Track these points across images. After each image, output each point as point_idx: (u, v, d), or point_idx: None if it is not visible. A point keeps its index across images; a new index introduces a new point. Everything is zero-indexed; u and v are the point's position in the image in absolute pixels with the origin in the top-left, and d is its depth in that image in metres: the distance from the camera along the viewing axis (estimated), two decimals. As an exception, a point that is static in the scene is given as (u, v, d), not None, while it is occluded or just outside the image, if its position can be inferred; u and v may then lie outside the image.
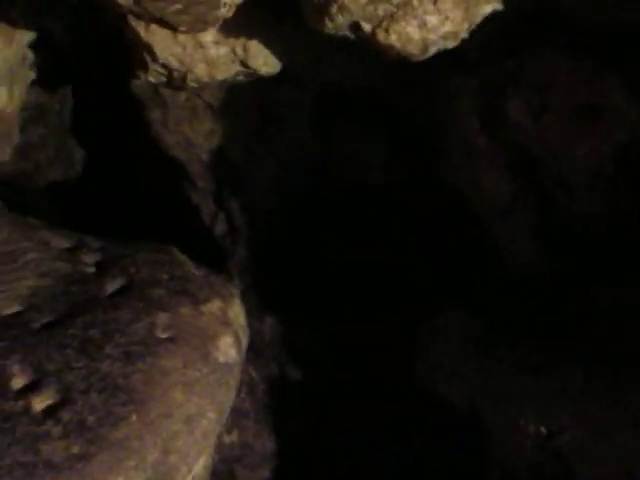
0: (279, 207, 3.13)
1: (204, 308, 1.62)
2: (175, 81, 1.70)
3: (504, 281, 2.14)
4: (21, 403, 1.21)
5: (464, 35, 1.37)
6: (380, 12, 1.24)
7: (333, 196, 2.99)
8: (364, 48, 1.53)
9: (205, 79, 1.65)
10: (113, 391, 1.29)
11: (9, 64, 1.54)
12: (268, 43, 1.67)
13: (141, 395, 1.32)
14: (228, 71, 1.66)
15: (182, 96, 2.94)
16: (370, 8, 1.24)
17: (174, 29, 1.35)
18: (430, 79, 1.86)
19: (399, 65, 1.57)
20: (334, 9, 1.25)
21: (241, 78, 1.81)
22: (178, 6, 1.18)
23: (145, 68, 1.68)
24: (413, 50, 1.32)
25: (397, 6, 1.24)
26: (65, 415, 1.22)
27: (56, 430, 1.19)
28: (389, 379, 2.71)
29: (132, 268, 1.64)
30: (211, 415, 1.47)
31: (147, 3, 1.17)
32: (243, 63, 1.66)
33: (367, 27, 1.28)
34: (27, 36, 1.55)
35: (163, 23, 1.30)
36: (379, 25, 1.27)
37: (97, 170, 3.63)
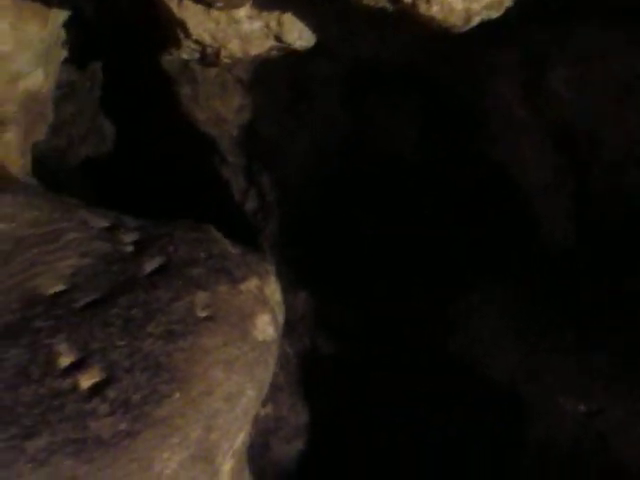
0: (311, 182, 3.11)
1: (242, 286, 1.62)
2: (208, 57, 1.67)
3: (541, 257, 2.10)
4: (68, 381, 1.24)
5: (509, 4, 1.31)
6: (421, -18, 1.19)
7: (366, 170, 2.96)
8: (400, 21, 1.48)
9: (239, 55, 1.62)
10: (156, 369, 1.31)
11: (45, 45, 1.53)
12: (302, 16, 1.63)
13: (183, 373, 1.33)
14: (262, 46, 1.62)
15: (212, 72, 2.92)
16: (410, -22, 1.19)
17: (209, 6, 1.33)
18: (468, 50, 1.79)
19: (436, 37, 1.52)
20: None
21: (274, 53, 1.78)
22: (216, -17, 1.16)
23: (178, 45, 1.66)
24: (455, 21, 1.27)
25: (439, -24, 1.19)
26: (111, 393, 1.25)
27: (103, 407, 1.22)
28: (424, 352, 2.71)
29: (170, 247, 1.65)
30: (250, 393, 1.49)
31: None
32: (277, 38, 1.63)
33: (408, -1, 1.23)
34: (61, 16, 1.54)
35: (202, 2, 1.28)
36: (421, -5, 1.22)
37: (128, 146, 3.66)
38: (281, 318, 1.84)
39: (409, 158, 2.84)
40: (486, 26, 1.48)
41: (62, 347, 1.30)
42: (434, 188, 2.74)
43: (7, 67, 1.42)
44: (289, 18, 1.61)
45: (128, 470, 1.17)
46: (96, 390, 1.25)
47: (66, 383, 1.24)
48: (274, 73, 2.86)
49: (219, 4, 1.30)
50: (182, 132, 3.20)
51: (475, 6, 1.25)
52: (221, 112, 3.00)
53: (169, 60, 2.90)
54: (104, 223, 1.75)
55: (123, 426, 1.21)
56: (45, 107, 2.04)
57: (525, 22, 1.60)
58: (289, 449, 2.78)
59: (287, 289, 2.87)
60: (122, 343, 1.33)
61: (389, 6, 1.30)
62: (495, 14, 1.32)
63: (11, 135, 1.93)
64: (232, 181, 3.24)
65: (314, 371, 2.93)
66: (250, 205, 3.25)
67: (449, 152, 2.64)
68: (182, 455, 1.25)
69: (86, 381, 1.27)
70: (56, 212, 1.65)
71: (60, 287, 1.46)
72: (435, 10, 1.24)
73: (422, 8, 1.25)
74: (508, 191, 2.15)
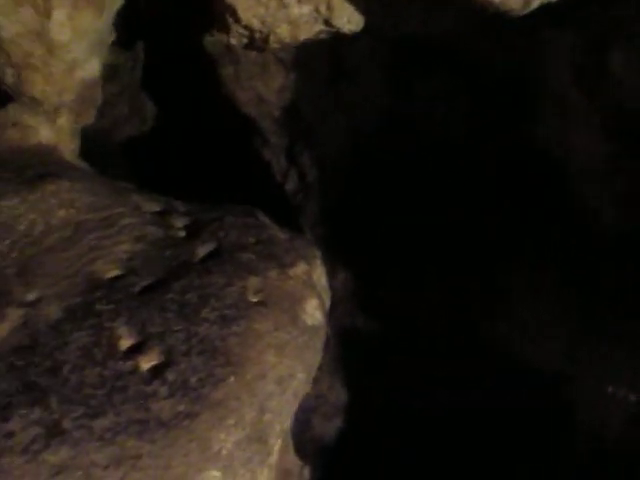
0: (352, 163, 3.10)
1: (291, 272, 1.65)
2: (257, 42, 1.68)
3: (588, 243, 2.06)
4: (130, 363, 1.29)
5: (569, -13, 1.27)
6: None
7: (407, 151, 2.93)
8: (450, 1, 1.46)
9: (287, 40, 1.62)
10: (212, 353, 1.35)
11: (99, 34, 1.56)
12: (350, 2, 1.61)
13: (237, 357, 1.37)
14: (311, 31, 1.62)
15: (254, 52, 2.92)
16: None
17: None
18: (520, 29, 1.75)
19: (487, 17, 1.49)
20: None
21: (322, 36, 1.77)
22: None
23: (227, 30, 1.67)
24: (513, 5, 1.24)
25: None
26: (170, 376, 1.29)
27: (163, 390, 1.27)
28: (464, 335, 2.71)
29: (221, 232, 1.68)
30: (300, 376, 1.53)
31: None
32: (327, 22, 1.62)
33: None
34: (115, 4, 1.57)
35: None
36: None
37: (169, 126, 3.70)
38: (328, 302, 1.87)
39: (451, 139, 2.80)
40: (542, 6, 1.44)
41: (122, 330, 1.35)
42: (477, 170, 2.70)
43: (65, 57, 1.46)
44: (338, 2, 1.60)
45: (188, 450, 1.22)
46: (156, 373, 1.30)
47: (127, 365, 1.29)
48: (315, 53, 2.84)
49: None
50: (223, 113, 3.23)
51: (535, -10, 1.22)
52: (262, 92, 3.01)
53: (211, 41, 2.91)
54: (155, 207, 1.79)
55: (182, 408, 1.25)
56: (95, 91, 2.08)
57: (583, 4, 1.55)
58: (329, 426, 2.84)
59: (327, 269, 2.89)
60: (179, 327, 1.37)
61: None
62: (554, -3, 1.29)
63: (64, 120, 1.98)
64: (273, 162, 3.26)
65: (353, 351, 2.97)
66: (291, 185, 3.27)
67: (493, 133, 2.60)
68: (238, 436, 1.29)
69: (146, 363, 1.32)
70: (111, 197, 1.69)
71: (117, 271, 1.51)
72: (495, -8, 1.22)
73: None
74: (555, 175, 2.11)
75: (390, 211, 3.06)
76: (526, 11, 1.30)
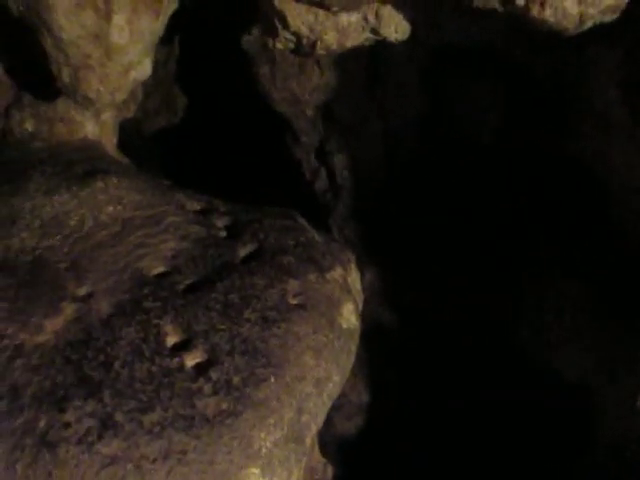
0: (383, 165, 3.12)
1: (328, 276, 1.68)
2: (303, 48, 1.70)
3: (622, 258, 2.07)
4: (176, 360, 1.34)
5: (623, 7, 1.28)
6: (537, -14, 1.18)
7: (441, 156, 2.94)
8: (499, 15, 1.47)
9: (334, 47, 1.64)
10: (254, 354, 1.39)
11: (155, 36, 1.60)
12: (399, 9, 1.63)
13: (278, 359, 1.41)
14: (358, 39, 1.64)
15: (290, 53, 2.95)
16: (526, -18, 1.17)
17: (327, 9, 1.35)
18: (566, 44, 1.75)
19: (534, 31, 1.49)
20: (485, -18, 1.20)
21: (367, 43, 1.79)
22: (338, -9, 1.17)
23: (275, 35, 1.69)
24: (567, 25, 1.25)
25: (555, -19, 1.17)
26: (214, 374, 1.33)
27: (207, 387, 1.31)
28: (489, 340, 2.73)
29: (261, 234, 1.72)
30: (336, 379, 1.56)
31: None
32: (374, 31, 1.64)
33: (521, 1, 1.22)
34: (171, 7, 1.60)
35: (318, 5, 1.30)
36: (534, -1, 1.21)
37: (200, 121, 3.75)
38: (361, 305, 1.90)
39: (487, 146, 2.81)
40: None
41: (169, 328, 1.39)
42: (511, 178, 2.71)
43: (122, 59, 1.50)
44: (387, 11, 1.61)
45: (230, 447, 1.26)
46: (200, 370, 1.34)
47: (174, 362, 1.33)
48: (352, 55, 2.85)
49: (335, 8, 1.32)
50: (257, 110, 3.26)
51: (591, 11, 1.23)
52: (297, 92, 3.03)
53: (249, 40, 2.94)
54: (198, 206, 1.83)
55: (225, 406, 1.29)
56: (138, 87, 2.12)
57: (632, 22, 1.56)
58: (350, 425, 2.88)
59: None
60: (222, 327, 1.41)
61: (499, 7, 1.29)
62: (609, 18, 1.29)
63: (108, 115, 2.03)
64: (304, 160, 3.29)
65: (376, 351, 3.00)
66: (320, 185, 3.30)
67: (530, 143, 2.60)
68: (277, 435, 1.33)
69: (191, 361, 1.36)
70: (156, 195, 1.74)
71: (163, 269, 1.55)
72: (548, 14, 1.23)
73: (535, 11, 1.23)
74: (591, 189, 2.11)
75: (419, 214, 3.08)
76: (579, 31, 1.31)
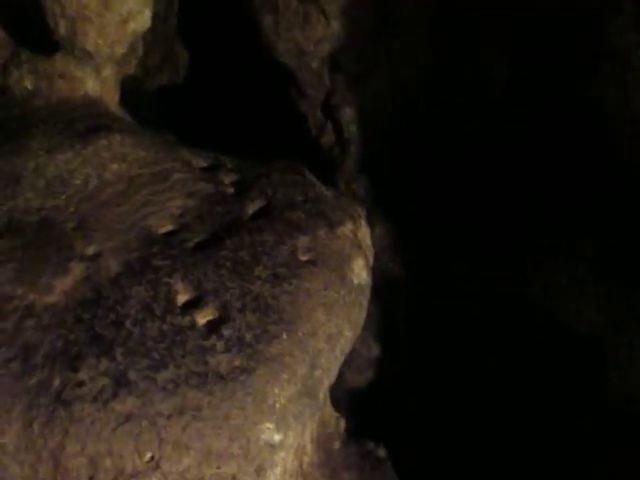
0: (391, 117, 3.05)
1: (338, 231, 1.66)
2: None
3: (636, 210, 2.03)
4: (188, 318, 1.33)
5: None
6: None
7: (450, 107, 2.87)
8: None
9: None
10: (265, 311, 1.38)
11: (153, -14, 1.53)
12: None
13: (289, 315, 1.40)
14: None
15: (294, 1, 2.84)
16: None
17: None
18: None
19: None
20: None
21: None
22: None
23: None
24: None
25: None
26: (226, 331, 1.33)
27: (220, 344, 1.30)
28: (500, 295, 2.72)
29: (269, 190, 1.69)
30: (348, 334, 1.56)
31: None
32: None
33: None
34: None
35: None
36: None
37: (203, 76, 3.66)
38: (372, 261, 1.88)
39: (497, 95, 2.73)
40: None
41: (179, 286, 1.38)
42: (523, 129, 2.64)
43: (120, 9, 1.44)
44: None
45: (244, 403, 1.26)
46: (212, 328, 1.33)
47: (185, 320, 1.32)
48: (360, 3, 2.75)
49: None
50: (260, 63, 3.17)
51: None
52: (302, 43, 2.93)
53: (251, -11, 2.84)
54: (204, 163, 1.79)
55: (238, 363, 1.29)
56: (138, 41, 2.05)
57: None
58: (361, 379, 2.91)
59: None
60: (233, 285, 1.40)
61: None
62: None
63: (108, 71, 1.97)
64: (309, 115, 3.22)
65: (385, 305, 3.00)
66: (326, 139, 3.24)
67: (543, 91, 2.52)
68: (291, 390, 1.33)
69: (202, 318, 1.35)
70: (161, 152, 1.70)
71: (171, 227, 1.53)
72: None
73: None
74: (607, 139, 2.05)
75: (429, 168, 3.02)
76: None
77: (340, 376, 2.90)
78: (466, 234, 2.88)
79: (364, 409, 2.73)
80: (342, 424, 2.05)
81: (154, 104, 3.63)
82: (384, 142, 3.11)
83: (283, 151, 3.42)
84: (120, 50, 1.56)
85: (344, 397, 2.77)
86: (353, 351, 3.05)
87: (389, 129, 3.11)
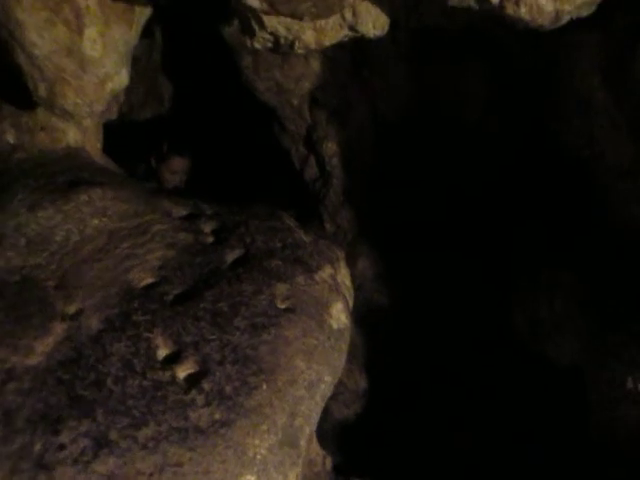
0: (372, 150, 3.11)
1: (317, 276, 1.69)
2: (282, 47, 1.68)
3: (612, 243, 2.07)
4: (168, 373, 1.35)
5: (600, 1, 1.27)
6: (510, -16, 1.16)
7: (429, 139, 2.93)
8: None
9: (313, 46, 1.62)
10: (244, 362, 1.41)
11: (129, 46, 1.58)
12: (376, 5, 1.61)
13: (269, 365, 1.43)
14: (336, 37, 1.62)
15: (273, 42, 2.91)
16: (499, -19, 1.16)
17: (299, 19, 1.33)
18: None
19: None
20: (460, -18, 1.18)
21: (347, 39, 1.77)
22: (308, 3, 1.15)
23: (252, 35, 1.67)
24: (543, 22, 1.24)
25: (528, -22, 1.15)
26: (206, 385, 1.35)
27: (200, 398, 1.33)
28: (483, 327, 2.75)
29: (247, 237, 1.73)
30: (328, 379, 1.59)
31: (280, 6, 1.15)
32: (352, 28, 1.62)
33: (495, 0, 1.20)
34: (144, 15, 1.58)
35: (289, 16, 1.28)
36: (508, -3, 1.19)
37: (186, 112, 3.71)
38: (351, 302, 1.92)
39: (473, 128, 2.80)
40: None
41: (159, 340, 1.41)
42: (498, 160, 2.70)
43: (97, 72, 1.48)
44: (364, 7, 1.59)
45: (225, 456, 1.29)
46: (192, 382, 1.36)
47: (166, 375, 1.35)
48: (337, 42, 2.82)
49: (307, 18, 1.30)
50: (241, 102, 3.23)
51: (567, 7, 1.22)
52: (281, 82, 3.00)
53: (229, 31, 2.90)
54: (183, 211, 1.83)
55: (218, 416, 1.32)
56: (121, 92, 2.10)
57: (609, 8, 1.54)
58: (348, 413, 2.92)
59: (345, 257, 2.92)
60: (212, 337, 1.43)
61: (474, 5, 1.27)
62: (586, 12, 1.28)
63: (89, 121, 2.01)
64: (292, 149, 3.27)
65: (370, 339, 3.02)
66: (309, 173, 3.29)
67: (516, 124, 2.59)
68: (271, 441, 1.36)
69: (182, 372, 1.38)
70: (141, 203, 1.74)
71: (151, 279, 1.56)
72: (523, 12, 1.22)
73: (510, 9, 1.22)
74: (577, 173, 2.11)
75: (410, 199, 3.08)
76: (555, 26, 1.29)
77: (327, 410, 2.91)
78: (450, 264, 2.93)
79: (352, 443, 2.75)
80: (328, 462, 2.07)
81: (139, 138, 3.68)
82: (366, 174, 3.17)
83: (267, 185, 3.48)
84: (99, 108, 1.60)
85: (331, 431, 2.78)
86: (340, 384, 3.07)
87: (371, 162, 3.17)
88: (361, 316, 3.06)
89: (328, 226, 3.28)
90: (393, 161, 3.12)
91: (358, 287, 3.15)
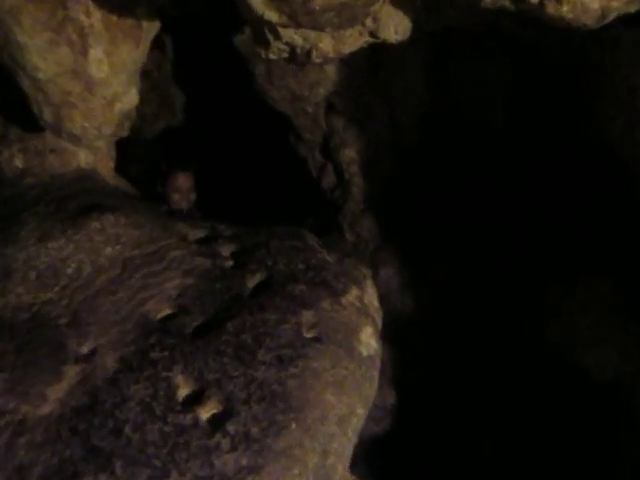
0: (391, 156, 3.00)
1: (343, 300, 1.59)
2: (298, 57, 1.58)
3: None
4: (190, 415, 1.26)
5: (649, -5, 1.15)
6: (552, -18, 1.05)
7: (449, 142, 2.82)
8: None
9: (331, 55, 1.52)
10: (271, 399, 1.31)
11: (138, 64, 1.49)
12: (398, 8, 1.50)
13: (297, 401, 1.33)
14: (355, 44, 1.52)
15: (286, 48, 2.81)
16: (540, -22, 1.05)
17: (320, 30, 1.23)
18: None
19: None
20: (495, -18, 1.07)
21: (366, 46, 1.66)
22: (331, 14, 1.05)
23: (267, 45, 1.57)
24: (587, 21, 1.13)
25: (574, -26, 1.04)
26: (231, 427, 1.26)
27: (225, 442, 1.23)
28: (514, 334, 2.63)
29: (269, 260, 1.63)
30: (360, 411, 1.49)
31: (301, 18, 1.06)
32: (373, 34, 1.51)
33: (534, -1, 1.09)
34: (152, 31, 1.49)
35: (309, 28, 1.19)
36: (550, -5, 1.08)
37: (200, 122, 3.64)
38: (380, 323, 1.81)
39: (497, 130, 2.67)
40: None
41: (179, 379, 1.31)
42: (526, 163, 2.58)
43: (104, 93, 1.40)
44: (385, 12, 1.49)
45: (254, 505, 1.19)
46: (216, 424, 1.26)
47: (188, 418, 1.25)
48: (351, 46, 2.71)
49: (329, 29, 1.20)
50: (254, 110, 3.15)
51: (614, 3, 1.10)
52: (296, 89, 2.90)
53: (242, 39, 2.82)
54: (200, 234, 1.74)
55: (245, 461, 1.22)
56: (132, 111, 2.01)
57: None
58: (377, 429, 2.81)
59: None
60: (236, 373, 1.33)
61: (510, 6, 1.16)
62: (634, 8, 1.16)
63: (102, 142, 1.93)
64: (308, 158, 3.18)
65: (399, 351, 2.91)
66: (327, 181, 3.19)
67: (543, 125, 2.46)
68: (302, 485, 1.26)
69: (206, 413, 1.28)
70: (156, 228, 1.65)
71: (168, 310, 1.47)
72: (565, 10, 1.10)
73: (551, 8, 1.11)
74: (615, 175, 1.98)
75: (432, 205, 2.96)
76: (600, 25, 1.18)
77: (355, 429, 2.80)
78: (476, 270, 2.80)
79: (382, 463, 2.64)
80: (359, 489, 1.96)
81: (152, 150, 3.61)
82: (386, 182, 3.06)
83: (284, 195, 3.38)
84: (108, 130, 1.52)
85: (361, 451, 2.67)
86: (368, 401, 2.95)
87: (390, 168, 3.06)
88: (387, 328, 2.95)
89: (348, 235, 3.17)
90: (413, 166, 3.01)
91: (382, 297, 3.04)
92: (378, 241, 3.13)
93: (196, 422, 1.25)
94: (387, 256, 3.07)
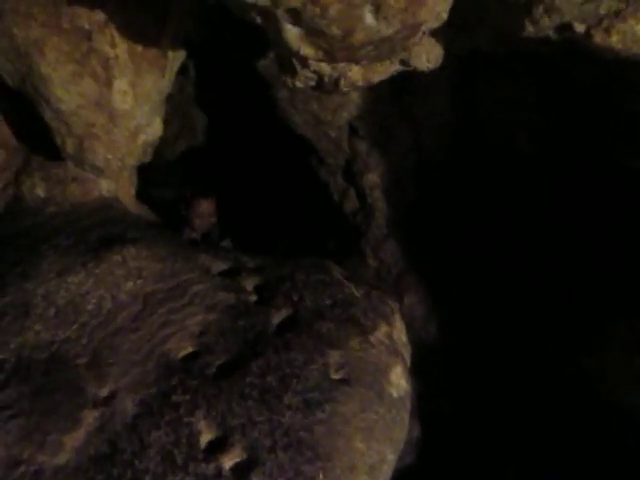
0: (415, 181, 2.93)
1: (372, 338, 1.52)
2: (326, 86, 1.53)
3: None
4: (213, 465, 1.20)
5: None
6: (602, 10, 0.99)
7: (476, 165, 2.74)
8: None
9: (360, 83, 1.47)
10: (298, 447, 1.24)
11: (163, 95, 1.45)
12: (431, 36, 1.45)
13: (325, 449, 1.26)
14: (386, 73, 1.46)
15: (310, 72, 2.77)
16: (589, 7, 0.99)
17: (355, 63, 1.18)
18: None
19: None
20: (539, 10, 1.02)
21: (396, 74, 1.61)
22: (369, 48, 1.01)
23: (293, 73, 1.53)
24: (638, 49, 1.06)
25: (627, 1, 0.98)
26: (255, 478, 1.19)
27: (250, 495, 1.16)
28: (544, 369, 2.53)
29: (295, 294, 1.56)
30: (390, 457, 1.41)
31: (338, 53, 1.01)
32: (404, 62, 1.46)
33: (580, 27, 1.03)
34: (178, 60, 1.45)
35: (344, 61, 1.14)
36: (598, 24, 1.02)
37: (221, 144, 3.62)
38: (409, 359, 1.74)
39: (524, 155, 2.60)
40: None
41: (202, 425, 1.25)
42: (550, 184, 2.49)
43: (128, 124, 1.36)
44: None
45: None
46: (240, 474, 1.19)
47: (210, 468, 1.19)
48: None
49: (365, 62, 1.15)
50: (277, 134, 3.11)
51: (666, 33, 1.03)
52: (319, 114, 2.86)
53: (264, 64, 2.79)
54: (223, 265, 1.68)
55: (271, 516, 1.15)
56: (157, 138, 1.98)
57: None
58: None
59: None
60: (261, 418, 1.26)
61: (553, 35, 1.10)
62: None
63: (125, 173, 1.90)
64: (330, 182, 3.12)
65: (424, 381, 2.82)
66: (349, 206, 3.13)
67: (572, 149, 2.39)
68: (331, 542, 1.18)
69: (229, 461, 1.22)
70: (178, 260, 1.60)
71: (190, 349, 1.41)
72: (615, 40, 1.04)
73: (598, 38, 1.05)
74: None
75: (458, 231, 2.88)
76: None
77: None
78: (503, 299, 2.71)
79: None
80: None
81: (173, 172, 3.60)
82: (409, 206, 3.00)
83: (306, 220, 3.33)
84: (131, 162, 1.48)
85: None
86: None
87: (414, 193, 3.00)
88: (411, 357, 2.86)
89: (370, 261, 3.10)
90: (437, 189, 2.95)
91: (406, 326, 2.96)
92: (401, 267, 3.05)
93: (219, 472, 1.19)
94: (411, 282, 2.99)
